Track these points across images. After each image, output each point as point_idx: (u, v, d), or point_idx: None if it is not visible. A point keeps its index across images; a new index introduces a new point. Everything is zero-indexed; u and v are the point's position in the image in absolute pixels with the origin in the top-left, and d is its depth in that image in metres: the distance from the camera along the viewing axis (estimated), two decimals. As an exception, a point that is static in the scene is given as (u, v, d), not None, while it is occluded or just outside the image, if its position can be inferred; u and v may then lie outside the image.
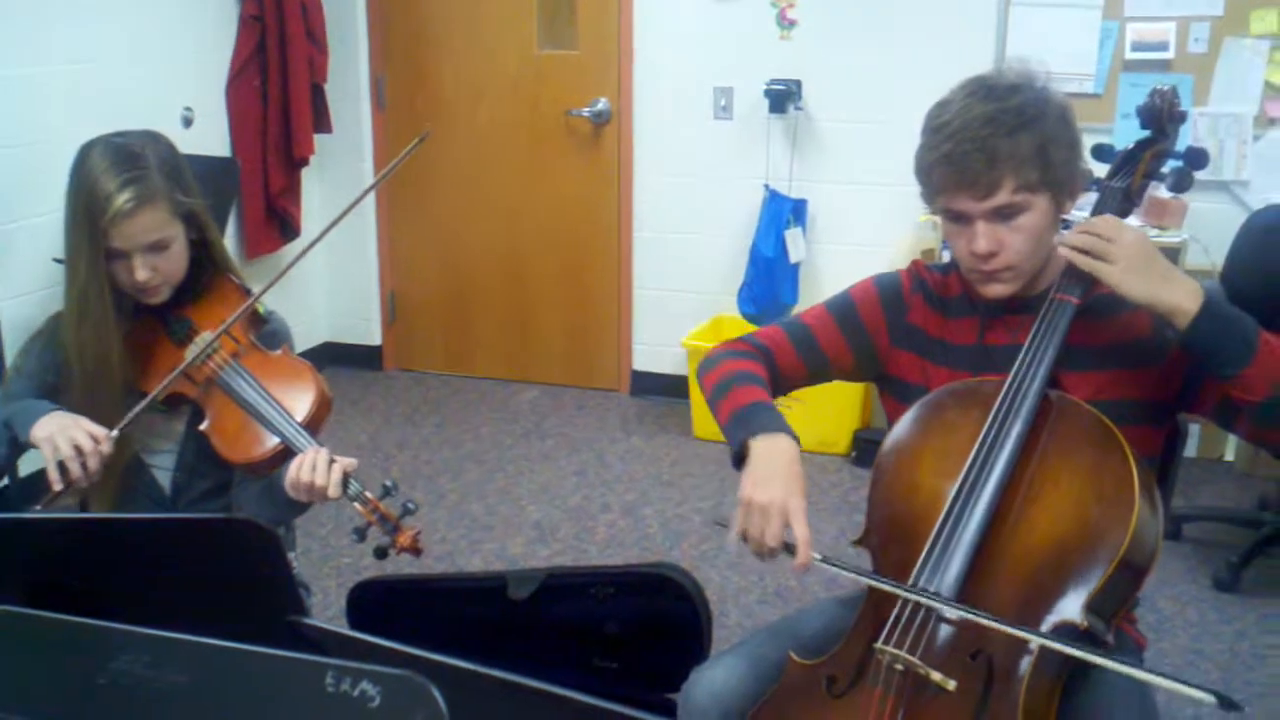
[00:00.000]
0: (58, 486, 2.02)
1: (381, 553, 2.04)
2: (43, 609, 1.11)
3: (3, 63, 3.88)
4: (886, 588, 1.72)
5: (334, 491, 2.00)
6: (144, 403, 2.10)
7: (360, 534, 2.05)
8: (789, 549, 1.74)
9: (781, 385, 2.04)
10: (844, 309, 2.05)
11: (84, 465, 2.03)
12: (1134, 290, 1.70)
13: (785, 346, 2.04)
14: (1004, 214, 1.80)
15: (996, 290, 1.87)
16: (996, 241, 1.81)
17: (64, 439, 2.02)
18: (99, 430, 2.05)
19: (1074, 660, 1.65)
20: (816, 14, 4.73)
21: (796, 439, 1.82)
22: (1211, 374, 1.73)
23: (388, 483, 2.06)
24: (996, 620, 1.62)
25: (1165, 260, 1.73)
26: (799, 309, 4.82)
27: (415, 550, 2.02)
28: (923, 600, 1.68)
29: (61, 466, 2.02)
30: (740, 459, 1.83)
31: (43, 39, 4.01)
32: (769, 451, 1.80)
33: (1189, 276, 1.73)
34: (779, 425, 1.83)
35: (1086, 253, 1.73)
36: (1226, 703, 1.46)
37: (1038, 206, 1.80)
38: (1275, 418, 1.71)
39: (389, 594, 2.71)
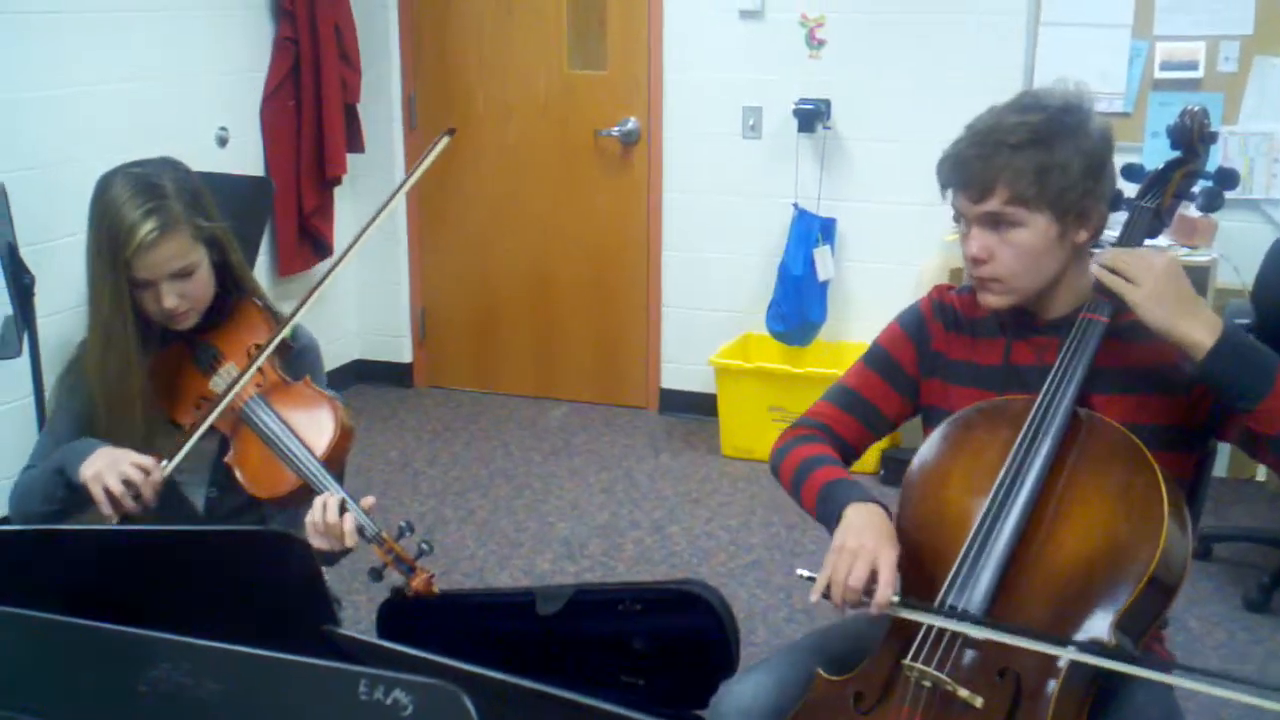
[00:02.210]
0: (114, 522, 2.02)
1: (398, 594, 2.06)
2: (83, 618, 1.13)
3: (41, 84, 3.94)
4: (969, 631, 1.68)
5: (350, 540, 2.02)
6: (192, 439, 2.11)
7: (377, 574, 2.07)
8: (870, 594, 1.74)
9: (850, 454, 2.07)
10: (878, 358, 2.07)
11: (137, 496, 2.04)
12: (1153, 316, 1.70)
13: (839, 416, 2.06)
14: (996, 222, 1.82)
15: (988, 300, 1.89)
16: (986, 249, 1.84)
17: (113, 475, 2.03)
18: (147, 460, 2.06)
19: (1103, 677, 1.65)
20: (846, 34, 4.74)
21: (887, 509, 1.85)
22: (1230, 406, 1.74)
23: (403, 524, 2.07)
24: (1039, 643, 1.62)
25: (1191, 292, 1.72)
26: (827, 327, 4.85)
27: (430, 594, 2.04)
28: (1008, 640, 1.66)
29: (114, 501, 2.03)
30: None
31: (80, 60, 4.07)
32: (864, 513, 1.82)
33: (1211, 311, 1.73)
34: (867, 496, 1.86)
35: (1116, 272, 1.73)
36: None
37: (1034, 225, 1.81)
38: None
39: (418, 609, 2.71)
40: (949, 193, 1.89)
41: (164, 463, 2.08)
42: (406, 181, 2.26)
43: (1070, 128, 1.81)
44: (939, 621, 1.70)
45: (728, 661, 2.51)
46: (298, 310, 2.21)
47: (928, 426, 2.00)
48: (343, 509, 2.02)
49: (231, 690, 1.06)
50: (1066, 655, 1.62)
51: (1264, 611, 3.59)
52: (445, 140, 2.22)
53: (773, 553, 3.94)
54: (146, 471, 2.04)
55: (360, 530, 2.02)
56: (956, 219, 1.90)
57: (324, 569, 1.72)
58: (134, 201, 2.06)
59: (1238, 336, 1.70)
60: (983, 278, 1.87)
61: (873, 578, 1.73)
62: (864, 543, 1.75)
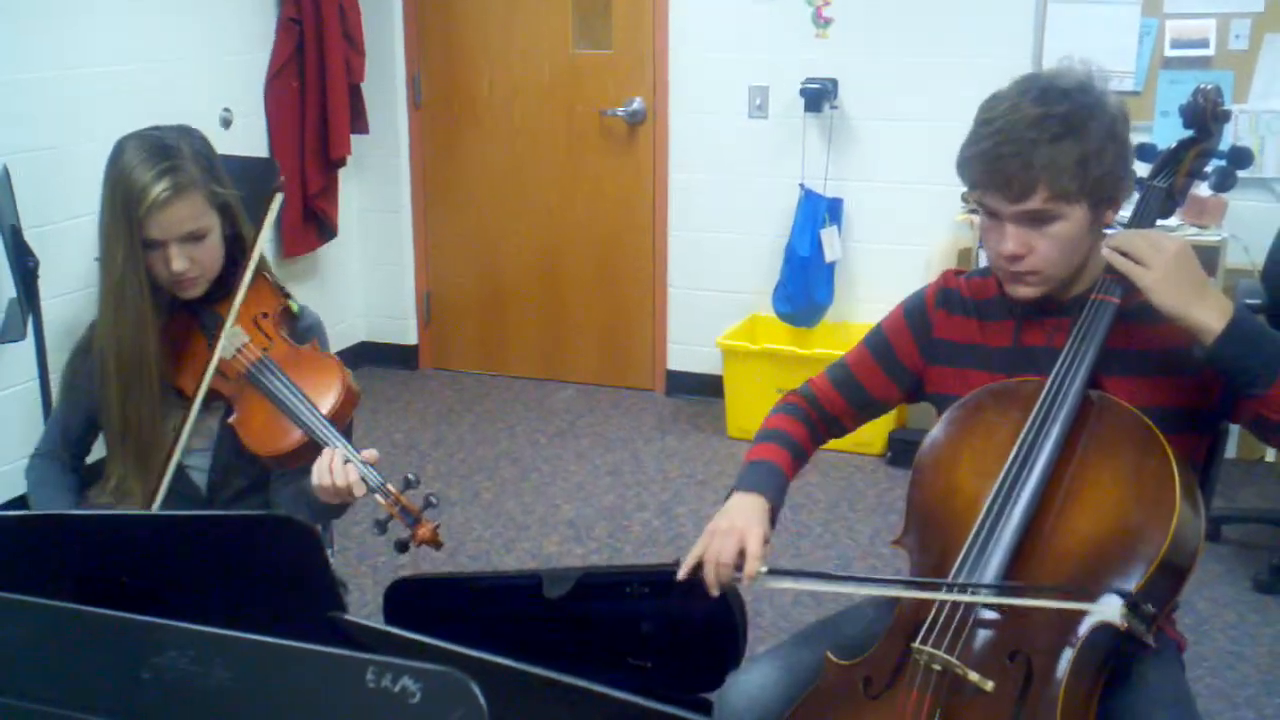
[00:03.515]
0: None
1: (402, 546, 2.06)
2: (88, 604, 1.12)
3: (42, 65, 3.93)
4: (843, 588, 1.84)
5: (358, 490, 2.01)
6: (194, 407, 2.11)
7: (381, 526, 2.06)
8: (740, 569, 1.84)
9: (835, 427, 2.15)
10: (877, 343, 2.09)
11: None
12: (1163, 299, 1.68)
13: (828, 390, 2.13)
14: (1035, 219, 1.78)
15: (1022, 292, 1.86)
16: (1024, 245, 1.80)
17: None
18: None
19: (1115, 659, 1.64)
20: (852, 12, 4.71)
21: (774, 503, 1.95)
22: (1239, 391, 1.72)
23: (410, 476, 2.07)
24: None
25: (1202, 276, 1.71)
26: (834, 309, 4.84)
27: (435, 543, 2.04)
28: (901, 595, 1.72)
29: None
30: None
31: (82, 41, 4.06)
32: (742, 500, 1.94)
33: (1222, 295, 1.71)
34: (762, 487, 1.96)
35: (1126, 254, 1.72)
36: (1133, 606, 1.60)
37: (1072, 216, 1.78)
38: None
39: (424, 592, 2.71)
40: (976, 192, 1.83)
41: None
42: (256, 247, 2.21)
43: (1095, 110, 1.77)
44: (808, 586, 1.90)
45: (736, 644, 2.51)
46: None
47: (940, 412, 1.98)
48: (347, 461, 2.03)
49: (238, 678, 1.05)
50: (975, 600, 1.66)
51: (1273, 593, 3.57)
52: (278, 198, 2.25)
53: (778, 534, 3.90)
54: None
55: (364, 480, 2.02)
56: (965, 200, 1.88)
57: (329, 556, 1.72)
58: (149, 162, 2.07)
59: (1248, 322, 1.69)
60: (1020, 272, 1.83)
61: (742, 554, 1.83)
62: (734, 524, 1.87)
